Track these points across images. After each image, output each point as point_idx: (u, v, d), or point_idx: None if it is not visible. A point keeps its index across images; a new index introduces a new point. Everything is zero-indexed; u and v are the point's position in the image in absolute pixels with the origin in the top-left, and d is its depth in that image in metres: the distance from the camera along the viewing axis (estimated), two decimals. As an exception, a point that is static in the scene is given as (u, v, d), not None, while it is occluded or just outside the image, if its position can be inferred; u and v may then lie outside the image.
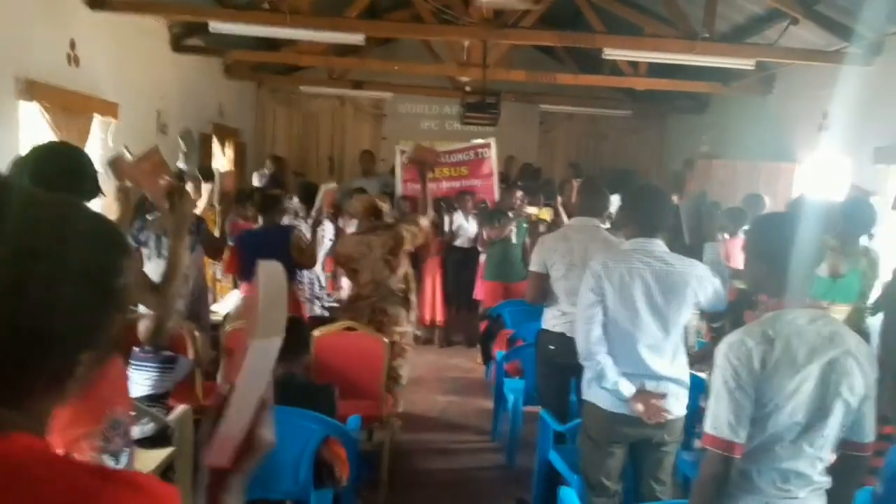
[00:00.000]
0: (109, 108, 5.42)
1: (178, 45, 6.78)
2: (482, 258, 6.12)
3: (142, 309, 3.07)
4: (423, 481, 3.68)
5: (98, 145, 5.26)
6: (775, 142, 6.99)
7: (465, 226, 6.38)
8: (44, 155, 1.80)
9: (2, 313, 0.62)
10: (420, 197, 4.26)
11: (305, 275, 4.64)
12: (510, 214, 5.82)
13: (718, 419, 1.66)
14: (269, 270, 0.75)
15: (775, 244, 1.74)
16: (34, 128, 4.53)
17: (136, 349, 2.91)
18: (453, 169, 6.50)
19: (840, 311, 2.42)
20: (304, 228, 4.59)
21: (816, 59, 5.81)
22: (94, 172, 1.86)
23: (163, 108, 6.60)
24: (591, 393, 2.53)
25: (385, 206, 4.06)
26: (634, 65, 7.29)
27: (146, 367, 2.85)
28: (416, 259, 6.68)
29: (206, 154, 7.54)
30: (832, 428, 1.67)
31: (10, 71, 4.26)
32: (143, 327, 3.03)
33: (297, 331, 2.72)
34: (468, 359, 5.98)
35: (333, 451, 2.53)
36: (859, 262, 2.57)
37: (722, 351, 1.69)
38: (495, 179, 6.61)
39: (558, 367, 3.05)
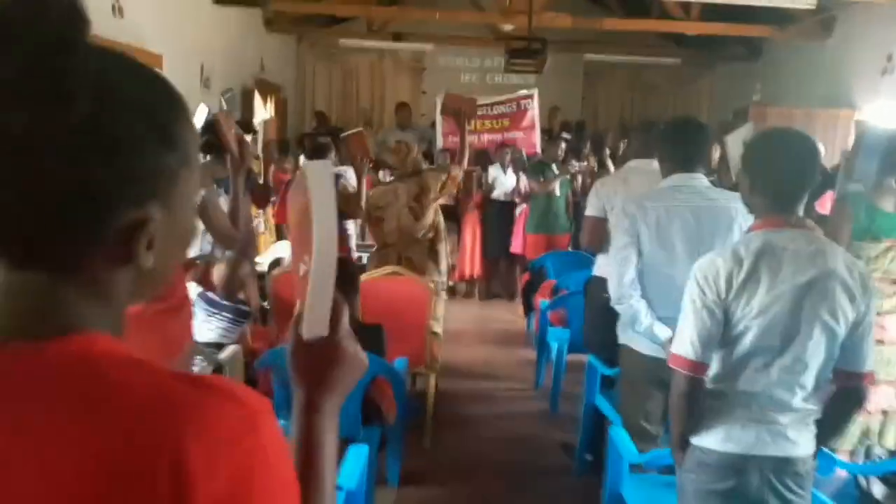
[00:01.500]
0: (154, 60, 5.45)
1: (219, -4, 6.75)
2: (518, 211, 6.05)
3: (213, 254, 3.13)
4: (466, 426, 3.72)
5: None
6: (834, 88, 6.65)
7: (503, 179, 6.30)
8: None
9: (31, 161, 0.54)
10: (458, 148, 4.19)
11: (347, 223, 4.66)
12: (554, 167, 5.71)
13: (683, 339, 1.65)
14: (317, 170, 0.72)
15: (758, 160, 1.69)
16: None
17: (210, 294, 2.96)
18: (494, 121, 6.39)
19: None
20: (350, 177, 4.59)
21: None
22: None
23: (206, 62, 6.62)
24: (627, 336, 2.49)
25: (413, 155, 3.98)
26: (686, 8, 6.98)
27: (220, 315, 2.88)
28: (456, 212, 6.68)
29: (248, 109, 7.57)
30: (812, 354, 1.60)
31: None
32: (217, 272, 3.08)
33: (346, 270, 2.73)
34: (509, 311, 5.98)
35: (382, 391, 2.56)
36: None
37: (693, 271, 1.66)
38: (537, 131, 6.48)
39: (610, 313, 3.00)
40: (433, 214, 3.89)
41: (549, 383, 3.96)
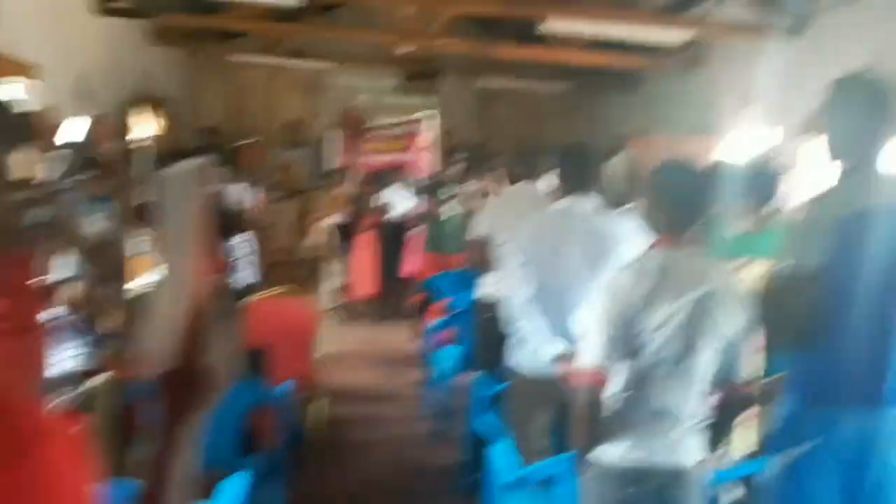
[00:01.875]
0: (25, 70, 5.11)
1: (102, 7, 6.44)
2: (411, 233, 6.11)
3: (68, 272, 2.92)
4: (356, 452, 3.67)
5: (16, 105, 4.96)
6: (702, 117, 7.21)
7: (398, 200, 6.34)
8: None
9: None
10: (350, 168, 4.21)
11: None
12: (449, 188, 5.81)
13: (589, 351, 1.76)
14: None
15: (660, 185, 1.83)
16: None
17: (73, 317, 2.75)
18: (388, 142, 6.44)
19: (758, 267, 2.53)
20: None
21: (742, 33, 6.02)
22: None
23: (85, 73, 6.27)
24: (517, 355, 2.56)
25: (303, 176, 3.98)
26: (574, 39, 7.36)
27: (81, 340, 2.70)
28: (350, 232, 6.65)
29: (128, 121, 7.22)
30: (702, 366, 1.74)
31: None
32: (72, 291, 2.87)
33: (226, 295, 2.65)
34: (401, 332, 5.98)
35: (263, 419, 2.49)
36: (776, 223, 2.69)
37: (600, 286, 1.79)
38: (432, 153, 6.58)
39: (494, 332, 3.07)
40: (321, 234, 3.86)
41: (439, 400, 3.99)
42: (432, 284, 5.03)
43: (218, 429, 2.28)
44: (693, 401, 1.77)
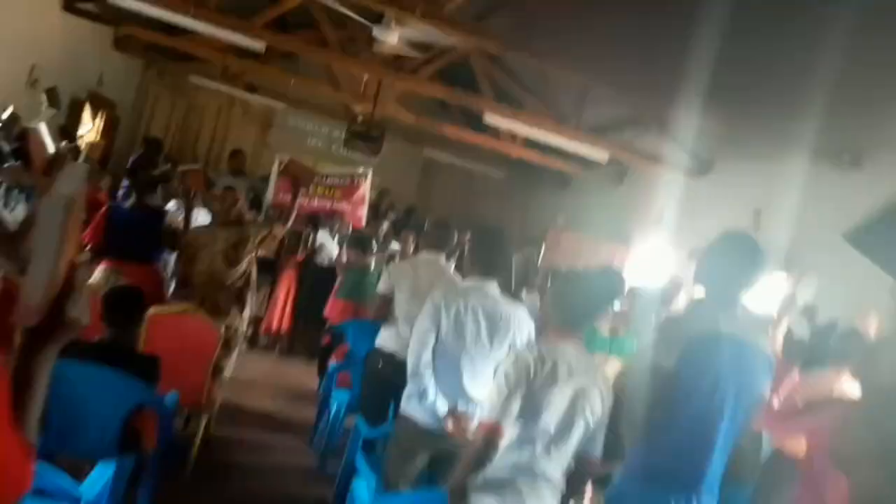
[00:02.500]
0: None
1: (69, 4, 6.56)
2: (335, 279, 6.32)
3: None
4: (235, 474, 3.75)
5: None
6: (619, 225, 7.87)
7: (328, 245, 6.57)
8: None
9: None
10: (287, 208, 4.44)
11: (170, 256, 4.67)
12: (374, 243, 6.09)
13: (492, 408, 2.05)
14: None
15: (558, 294, 2.24)
16: None
17: None
18: (327, 189, 6.70)
19: (615, 364, 2.91)
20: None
21: (658, 163, 6.73)
22: None
23: (39, 63, 6.32)
24: (410, 407, 2.79)
25: (244, 210, 4.20)
26: (513, 135, 7.95)
27: None
28: (274, 266, 6.78)
29: (75, 119, 7.22)
30: (574, 439, 2.09)
31: None
32: None
33: (134, 301, 2.80)
34: (305, 370, 6.09)
35: (144, 420, 2.61)
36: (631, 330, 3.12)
37: (508, 359, 2.12)
38: (365, 207, 6.88)
39: (383, 382, 3.31)
40: (247, 265, 4.05)
41: (325, 439, 4.13)
42: (340, 329, 5.22)
43: (101, 418, 2.41)
44: (563, 468, 2.10)
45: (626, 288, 3.32)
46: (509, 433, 2.05)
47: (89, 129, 7.52)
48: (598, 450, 2.16)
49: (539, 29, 6.37)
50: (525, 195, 10.99)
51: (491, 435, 2.03)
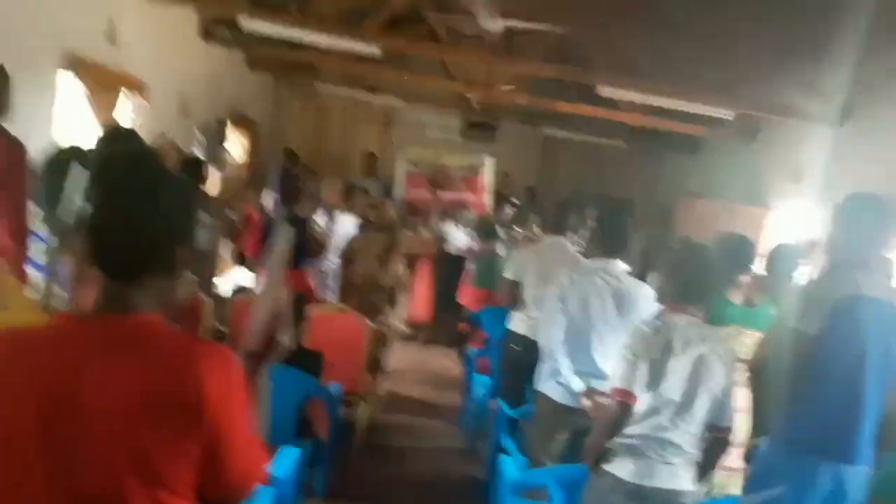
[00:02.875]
0: (138, 86, 5.85)
1: (207, 34, 7.22)
2: (469, 266, 6.55)
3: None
4: (393, 454, 4.11)
5: (124, 120, 5.69)
6: (756, 188, 7.45)
7: (455, 235, 6.81)
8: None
9: (141, 224, 1.10)
10: (425, 208, 4.73)
11: (326, 264, 5.14)
12: (499, 229, 6.25)
13: (621, 376, 2.15)
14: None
15: (672, 267, 2.26)
16: (69, 97, 4.96)
17: None
18: (451, 182, 6.96)
19: (752, 336, 2.84)
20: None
21: (793, 115, 6.30)
22: None
23: (186, 92, 7.02)
24: (545, 385, 2.94)
25: (390, 212, 4.59)
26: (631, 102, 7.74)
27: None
28: (411, 261, 7.15)
29: (221, 141, 7.96)
30: (699, 410, 2.13)
31: (53, 41, 4.68)
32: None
33: (299, 304, 3.14)
34: (447, 357, 6.40)
35: (315, 409, 2.95)
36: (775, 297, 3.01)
37: (630, 331, 2.22)
38: (488, 195, 7.06)
39: (518, 364, 3.47)
40: (398, 266, 4.41)
41: (472, 421, 4.38)
42: (476, 316, 5.45)
43: (279, 409, 2.76)
44: (690, 437, 2.15)
45: (760, 253, 3.22)
46: (641, 399, 2.14)
47: (236, 148, 8.26)
48: (727, 419, 2.19)
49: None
50: (652, 163, 10.63)
51: (624, 399, 2.14)
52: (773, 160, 7.31)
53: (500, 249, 6.24)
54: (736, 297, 2.94)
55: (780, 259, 3.12)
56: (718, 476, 2.84)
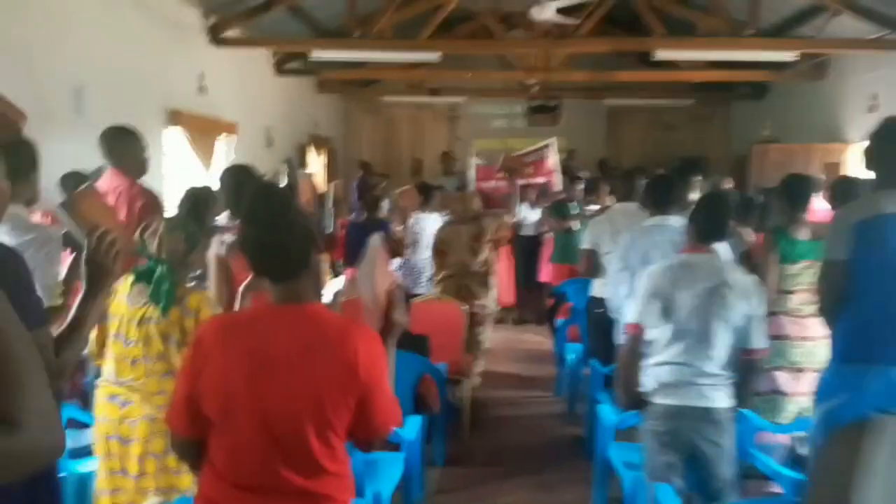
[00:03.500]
0: (230, 127, 6.53)
1: (280, 69, 7.86)
2: (545, 243, 6.87)
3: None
4: (497, 424, 4.49)
5: (222, 159, 6.38)
6: (830, 124, 7.33)
7: (529, 216, 7.13)
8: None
9: (288, 240, 1.53)
10: (506, 196, 5.10)
11: (416, 263, 5.60)
12: (573, 206, 6.53)
13: (634, 312, 2.50)
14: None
15: (694, 210, 2.57)
16: (174, 148, 5.66)
17: None
18: (522, 167, 7.28)
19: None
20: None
21: (858, 47, 6.19)
22: None
23: (269, 124, 7.70)
24: (621, 338, 3.25)
25: (477, 203, 5.00)
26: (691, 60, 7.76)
27: None
28: (494, 246, 7.52)
29: (303, 161, 8.63)
30: (718, 336, 2.37)
31: (158, 103, 5.38)
32: None
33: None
34: (537, 334, 6.74)
35: (428, 386, 3.38)
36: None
37: (645, 272, 2.53)
38: (558, 174, 7.32)
39: (604, 324, 3.78)
40: (486, 252, 4.79)
41: (567, 387, 4.71)
42: (560, 290, 5.76)
43: (399, 387, 3.21)
44: (714, 361, 2.39)
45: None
46: (652, 333, 2.43)
47: (315, 166, 8.91)
48: (755, 342, 2.40)
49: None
50: (721, 116, 10.51)
51: (633, 333, 2.47)
52: (846, 95, 7.17)
53: (575, 224, 6.51)
54: (803, 234, 3.14)
55: (838, 192, 3.28)
56: (804, 401, 3.07)
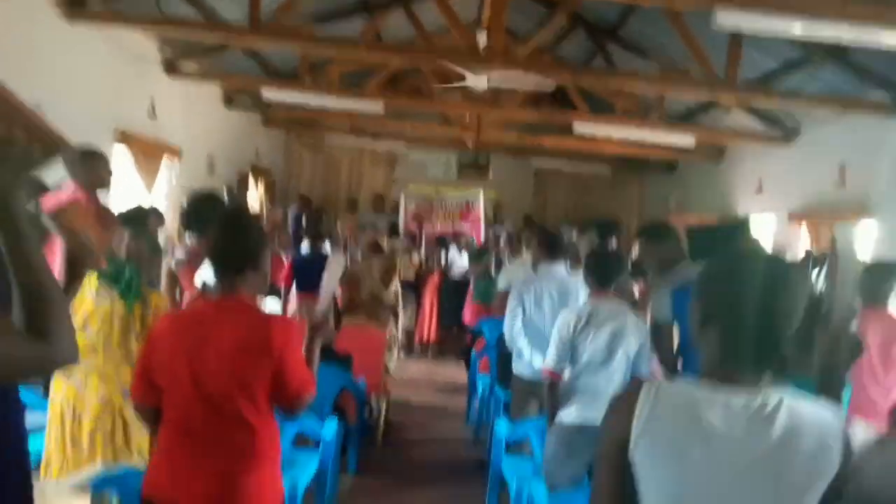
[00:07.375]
0: (174, 152, 6.82)
1: (229, 102, 8.22)
2: (468, 289, 7.40)
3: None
4: (409, 446, 4.87)
5: (165, 181, 6.65)
6: (724, 201, 8.30)
7: (458, 260, 7.68)
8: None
9: (240, 240, 1.97)
10: (417, 237, 5.61)
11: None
12: (492, 253, 7.13)
13: (550, 357, 3.01)
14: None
15: (590, 261, 3.14)
16: (119, 167, 5.90)
17: None
18: (448, 214, 7.87)
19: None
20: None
21: (748, 139, 7.18)
22: None
23: (212, 152, 7.99)
24: (516, 366, 3.78)
25: (384, 242, 5.51)
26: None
27: None
28: (418, 287, 8.00)
29: (244, 189, 8.91)
30: (618, 365, 2.96)
31: (109, 122, 5.66)
32: None
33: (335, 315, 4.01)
34: (456, 369, 7.19)
35: (347, 399, 3.77)
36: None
37: (557, 320, 3.06)
38: (482, 225, 7.96)
39: (509, 356, 4.30)
40: (397, 285, 5.26)
41: (476, 414, 5.17)
42: (477, 328, 6.27)
43: (321, 397, 3.58)
44: (615, 385, 2.94)
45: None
46: (567, 372, 2.98)
47: (254, 196, 9.20)
48: (643, 372, 3.00)
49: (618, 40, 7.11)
50: (635, 186, 11.50)
51: (551, 378, 3.02)
52: (737, 177, 8.19)
53: (493, 271, 7.09)
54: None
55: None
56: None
